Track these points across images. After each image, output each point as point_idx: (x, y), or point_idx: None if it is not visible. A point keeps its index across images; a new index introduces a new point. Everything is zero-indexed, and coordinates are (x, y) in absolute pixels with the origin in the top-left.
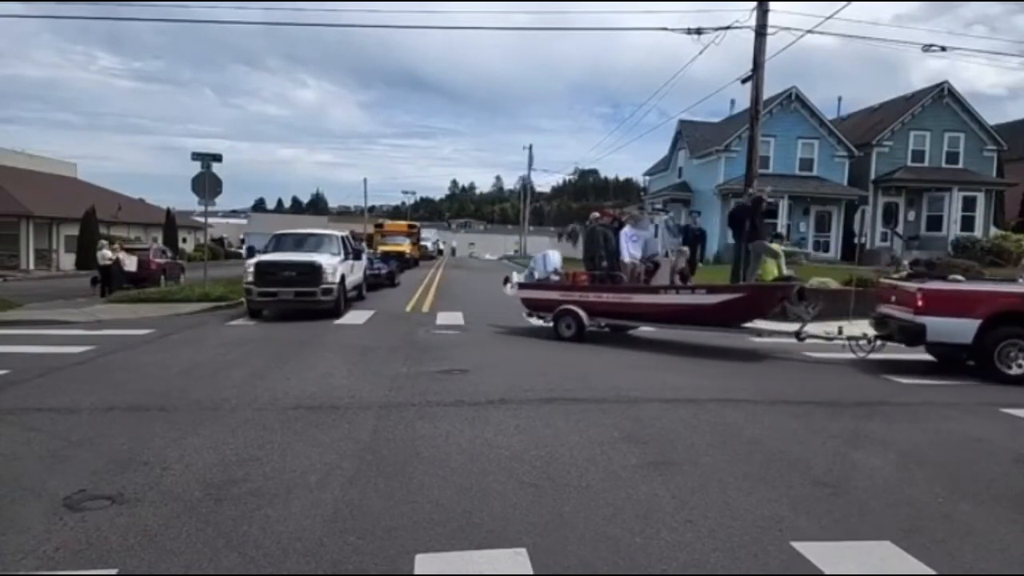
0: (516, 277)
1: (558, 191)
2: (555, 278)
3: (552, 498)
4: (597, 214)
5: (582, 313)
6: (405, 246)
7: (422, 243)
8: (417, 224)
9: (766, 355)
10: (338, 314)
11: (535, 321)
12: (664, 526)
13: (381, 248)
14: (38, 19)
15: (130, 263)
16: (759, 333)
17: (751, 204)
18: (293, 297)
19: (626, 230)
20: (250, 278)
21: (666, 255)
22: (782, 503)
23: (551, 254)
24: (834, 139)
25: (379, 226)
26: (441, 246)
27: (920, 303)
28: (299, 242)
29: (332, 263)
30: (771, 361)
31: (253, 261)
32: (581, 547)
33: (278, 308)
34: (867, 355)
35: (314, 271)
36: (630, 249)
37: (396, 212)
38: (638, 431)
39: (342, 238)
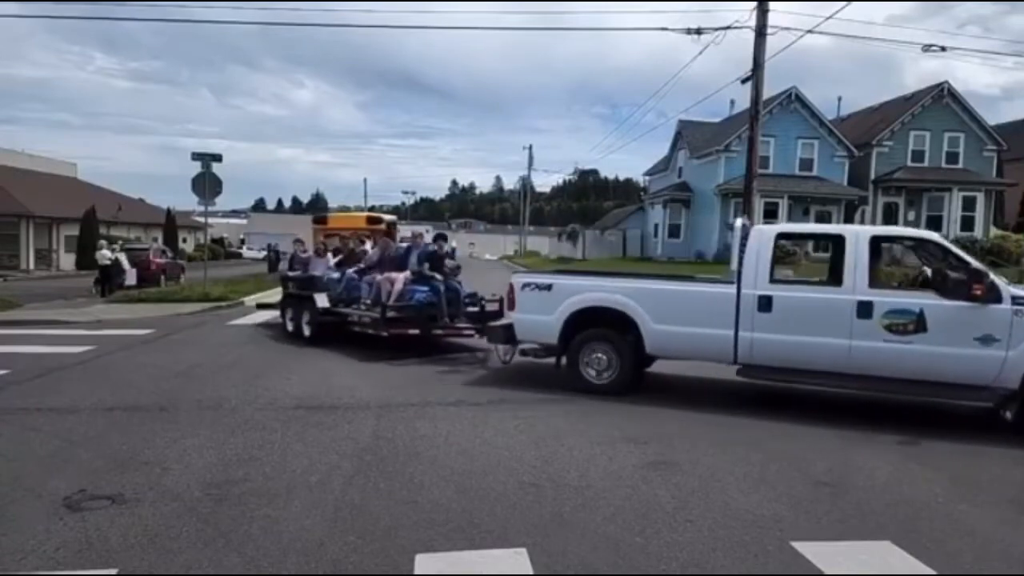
0: None
1: (558, 191)
2: None
3: (552, 498)
4: None
5: None
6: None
7: None
8: (386, 217)
9: None
10: None
11: None
12: (664, 526)
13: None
14: (34, 19)
15: (130, 276)
16: None
17: None
18: None
19: None
20: None
21: None
22: (782, 503)
23: None
24: (834, 139)
25: (320, 221)
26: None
27: None
28: None
29: None
30: None
31: None
32: (581, 547)
33: None
34: None
35: None
36: None
37: (396, 212)
38: (638, 431)
39: None
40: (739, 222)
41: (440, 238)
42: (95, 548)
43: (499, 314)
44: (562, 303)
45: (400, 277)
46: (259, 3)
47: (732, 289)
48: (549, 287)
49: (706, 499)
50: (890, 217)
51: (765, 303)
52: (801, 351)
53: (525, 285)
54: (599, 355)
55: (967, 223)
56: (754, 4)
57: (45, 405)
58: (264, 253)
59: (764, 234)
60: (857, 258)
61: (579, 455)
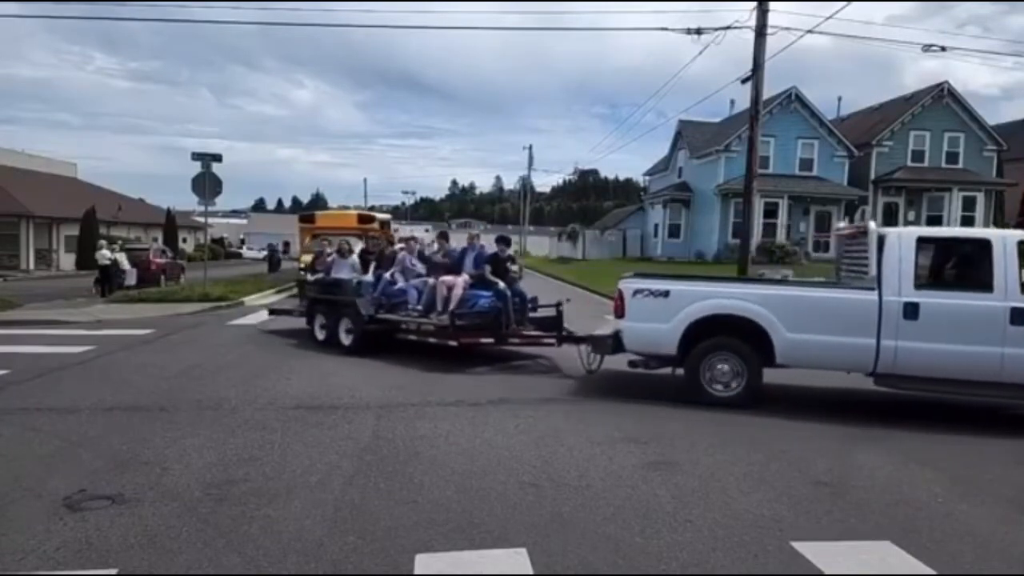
0: None
1: (558, 191)
2: None
3: (552, 498)
4: None
5: None
6: None
7: None
8: (380, 215)
9: None
10: None
11: None
12: (664, 526)
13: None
14: (34, 19)
15: (130, 276)
16: None
17: None
18: None
19: None
20: None
21: None
22: (782, 503)
23: None
24: (834, 139)
25: (307, 219)
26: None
27: None
28: None
29: None
30: None
31: None
32: (581, 547)
33: None
34: None
35: None
36: None
37: (396, 212)
38: (638, 431)
39: None
40: (872, 225)
41: (502, 241)
42: (95, 548)
43: (560, 320)
44: (681, 311)
45: (459, 281)
46: (259, 3)
47: (873, 296)
48: (666, 294)
49: (706, 499)
50: (890, 217)
51: (911, 310)
52: (950, 360)
53: (637, 291)
54: (723, 366)
55: (967, 223)
56: (754, 4)
57: (45, 405)
58: (264, 253)
59: (904, 238)
60: (1007, 264)
61: (579, 455)
